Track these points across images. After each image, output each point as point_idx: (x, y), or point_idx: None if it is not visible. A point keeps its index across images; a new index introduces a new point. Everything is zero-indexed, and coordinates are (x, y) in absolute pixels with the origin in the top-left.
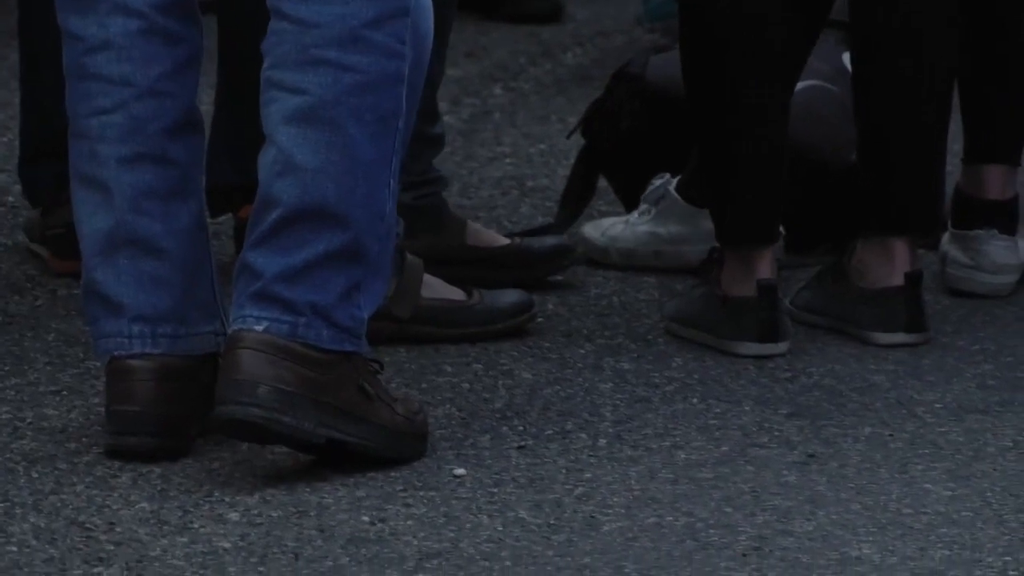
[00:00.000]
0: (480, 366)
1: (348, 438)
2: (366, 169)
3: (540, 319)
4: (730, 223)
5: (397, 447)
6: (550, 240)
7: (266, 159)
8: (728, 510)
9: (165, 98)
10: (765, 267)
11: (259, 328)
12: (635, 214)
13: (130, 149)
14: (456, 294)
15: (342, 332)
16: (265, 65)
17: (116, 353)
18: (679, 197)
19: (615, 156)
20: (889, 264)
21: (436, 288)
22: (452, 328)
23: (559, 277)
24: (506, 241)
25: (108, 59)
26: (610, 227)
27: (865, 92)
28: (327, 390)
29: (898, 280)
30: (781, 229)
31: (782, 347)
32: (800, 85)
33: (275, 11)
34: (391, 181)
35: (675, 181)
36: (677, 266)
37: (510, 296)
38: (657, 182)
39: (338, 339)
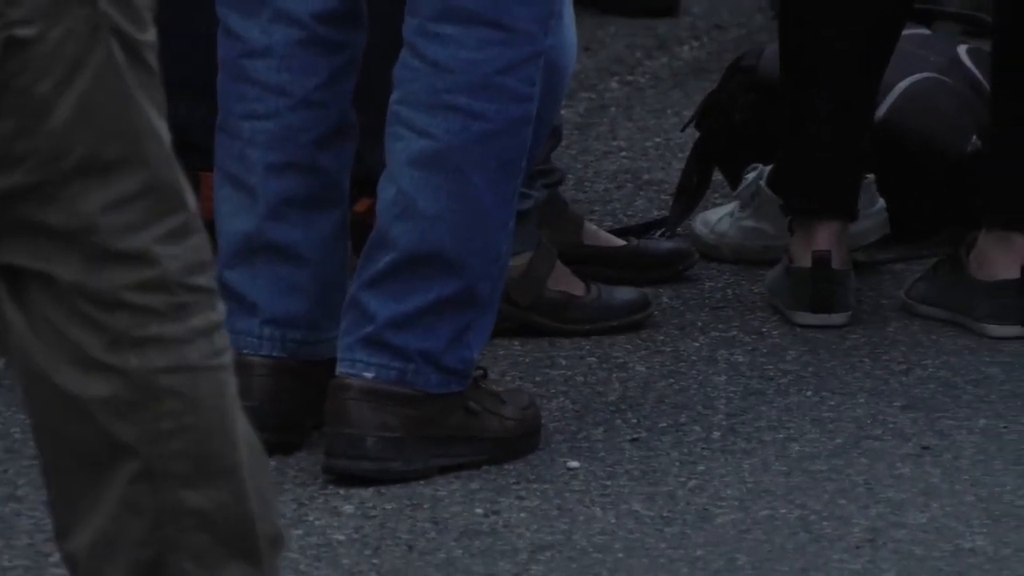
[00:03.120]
0: (594, 359)
1: (460, 459)
2: (486, 216)
3: (656, 313)
4: (790, 189)
5: (510, 452)
6: (668, 244)
7: (386, 196)
8: (842, 502)
9: (319, 108)
10: (824, 238)
11: (368, 375)
12: (737, 207)
13: (279, 157)
14: (576, 288)
15: (450, 375)
16: (394, 97)
17: (243, 351)
18: (771, 192)
19: (730, 149)
20: (1007, 256)
21: (559, 278)
22: (566, 323)
23: None
24: (622, 243)
25: (267, 66)
26: (717, 223)
27: (1001, 84)
28: (433, 423)
29: (1015, 273)
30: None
31: (837, 319)
32: (915, 77)
33: (409, 46)
34: (509, 221)
35: (766, 174)
36: None
37: (626, 294)
38: (749, 176)
39: (445, 383)
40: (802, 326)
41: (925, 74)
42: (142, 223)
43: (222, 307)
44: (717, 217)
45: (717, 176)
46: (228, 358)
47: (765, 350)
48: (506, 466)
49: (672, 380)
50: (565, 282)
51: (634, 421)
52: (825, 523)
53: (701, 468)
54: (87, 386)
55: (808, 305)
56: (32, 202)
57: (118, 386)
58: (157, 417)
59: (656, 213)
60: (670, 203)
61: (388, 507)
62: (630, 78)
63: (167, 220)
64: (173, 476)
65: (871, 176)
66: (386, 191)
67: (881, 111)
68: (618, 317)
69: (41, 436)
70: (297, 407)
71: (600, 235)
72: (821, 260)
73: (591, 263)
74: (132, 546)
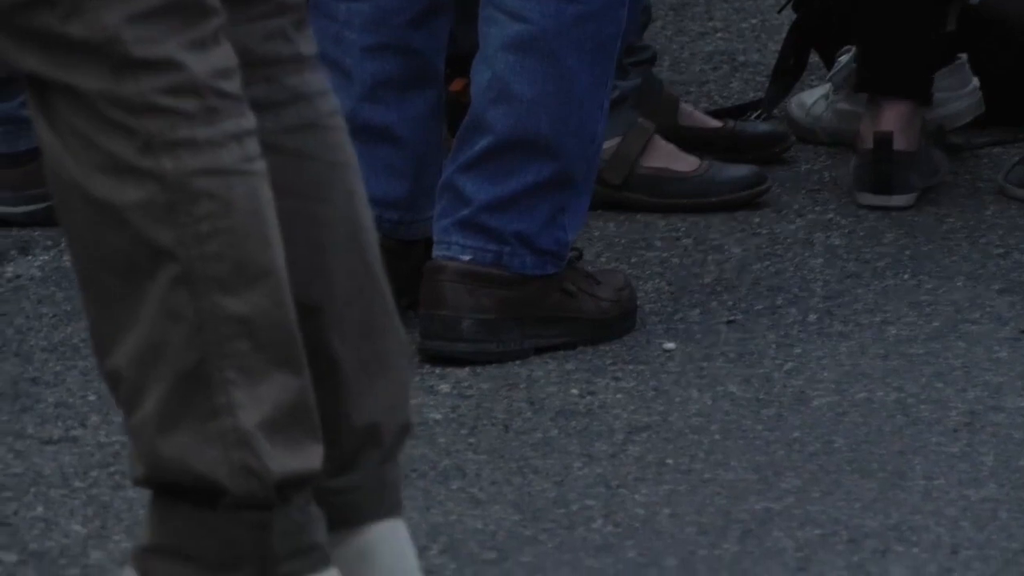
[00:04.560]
0: (690, 240)
1: (556, 340)
2: (581, 98)
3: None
4: (859, 67)
5: (606, 333)
6: (764, 126)
7: (480, 81)
8: (939, 385)
9: None
10: (889, 119)
11: (464, 258)
12: (831, 89)
13: (374, 39)
14: (684, 164)
15: (545, 256)
16: None
17: None
18: None
19: (826, 31)
20: None
21: (664, 155)
22: (663, 198)
23: None
24: (718, 124)
25: None
26: (812, 105)
27: None
28: (529, 304)
29: None
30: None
31: (898, 200)
32: None
33: None
34: (604, 101)
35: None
36: None
37: (738, 171)
38: (842, 59)
39: (541, 264)
40: (863, 206)
41: None
42: (166, 34)
43: (252, 116)
44: (812, 100)
45: (813, 58)
46: (261, 166)
47: (862, 233)
48: (602, 347)
49: (768, 263)
50: (670, 159)
51: (730, 303)
52: (922, 406)
53: (798, 351)
54: (122, 192)
55: (868, 185)
56: (55, 13)
57: (153, 190)
58: (194, 219)
59: (752, 95)
60: (766, 85)
61: (484, 387)
62: None
63: (191, 31)
64: (212, 280)
65: (963, 56)
66: (480, 75)
67: None
68: (717, 194)
69: (79, 252)
70: (393, 286)
71: (696, 116)
72: (882, 141)
73: (686, 144)
74: (173, 354)
